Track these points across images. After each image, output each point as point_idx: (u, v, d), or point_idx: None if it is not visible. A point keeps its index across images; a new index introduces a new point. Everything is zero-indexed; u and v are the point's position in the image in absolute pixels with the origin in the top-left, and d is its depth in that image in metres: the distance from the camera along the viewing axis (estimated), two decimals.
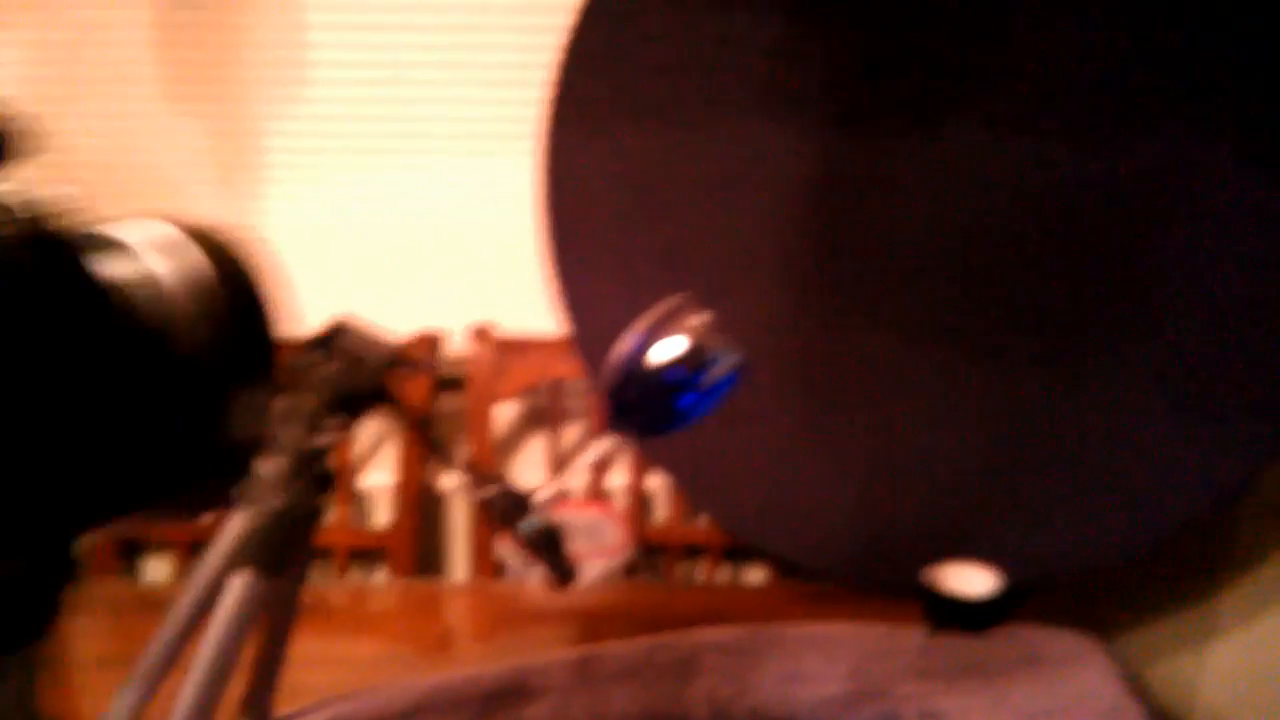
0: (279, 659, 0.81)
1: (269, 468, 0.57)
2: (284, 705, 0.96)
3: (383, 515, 1.40)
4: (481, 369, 1.31)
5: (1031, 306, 1.10)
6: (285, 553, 0.56)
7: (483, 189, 1.37)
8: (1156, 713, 0.96)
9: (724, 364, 0.60)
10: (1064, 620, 1.10)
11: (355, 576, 1.46)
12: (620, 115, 1.10)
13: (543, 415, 1.40)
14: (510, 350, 1.32)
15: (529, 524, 0.63)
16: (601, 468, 1.35)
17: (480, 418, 1.33)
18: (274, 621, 0.76)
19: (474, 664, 1.05)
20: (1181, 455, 1.10)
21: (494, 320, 1.34)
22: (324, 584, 1.30)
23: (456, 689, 1.01)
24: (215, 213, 1.39)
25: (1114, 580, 1.39)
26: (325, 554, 1.41)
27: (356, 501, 1.41)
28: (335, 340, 0.57)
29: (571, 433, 1.39)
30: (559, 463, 1.35)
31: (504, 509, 0.62)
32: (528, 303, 1.36)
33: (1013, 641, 1.06)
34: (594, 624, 1.14)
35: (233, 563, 0.57)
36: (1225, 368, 1.08)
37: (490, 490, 0.62)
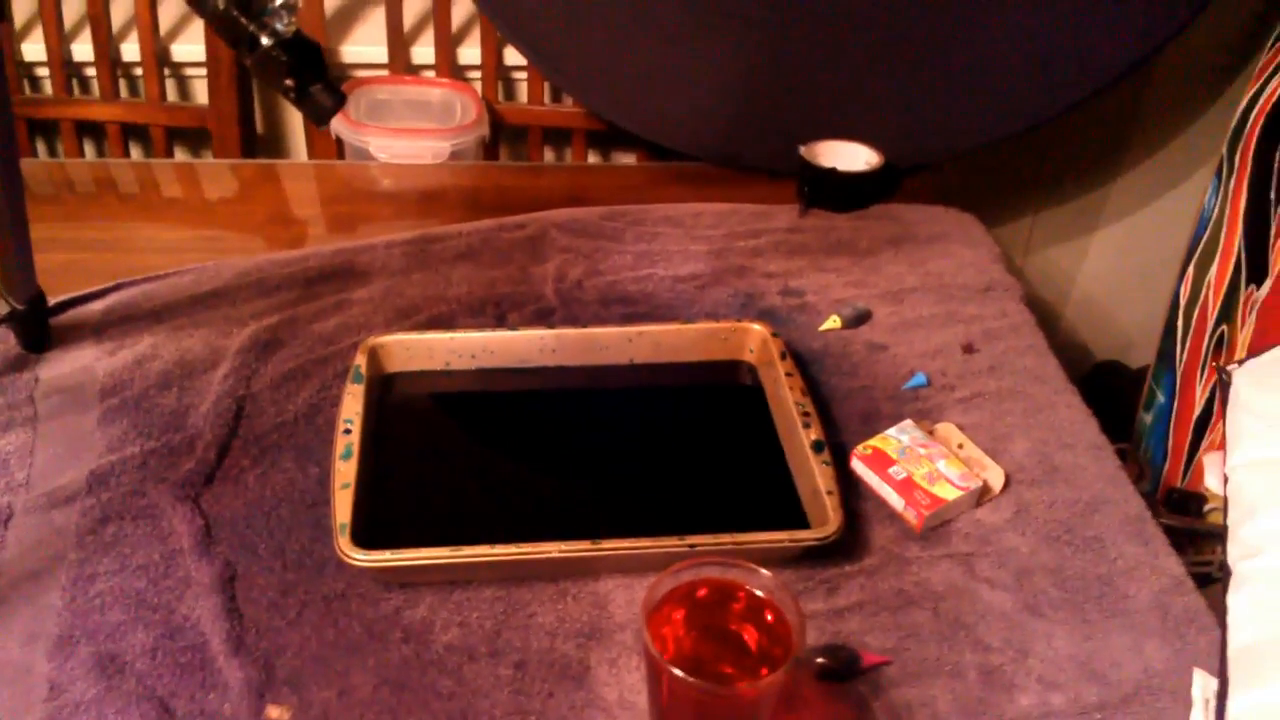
0: (20, 233, 0.69)
1: None
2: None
3: (203, 94, 1.22)
4: None
5: None
6: None
7: None
8: (1033, 299, 0.91)
9: None
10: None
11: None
12: None
13: None
14: None
15: (268, 30, 0.48)
16: (452, 40, 1.18)
17: None
18: None
19: (306, 246, 0.95)
20: (1074, 31, 0.99)
21: None
22: (143, 165, 1.15)
23: (280, 268, 0.91)
24: None
25: (999, 168, 1.31)
26: (141, 134, 1.25)
27: (172, 77, 1.23)
28: None
29: None
30: (401, 33, 1.17)
31: (224, 9, 0.47)
32: None
33: (887, 219, 0.99)
34: (444, 205, 1.03)
35: None
36: None
37: None
